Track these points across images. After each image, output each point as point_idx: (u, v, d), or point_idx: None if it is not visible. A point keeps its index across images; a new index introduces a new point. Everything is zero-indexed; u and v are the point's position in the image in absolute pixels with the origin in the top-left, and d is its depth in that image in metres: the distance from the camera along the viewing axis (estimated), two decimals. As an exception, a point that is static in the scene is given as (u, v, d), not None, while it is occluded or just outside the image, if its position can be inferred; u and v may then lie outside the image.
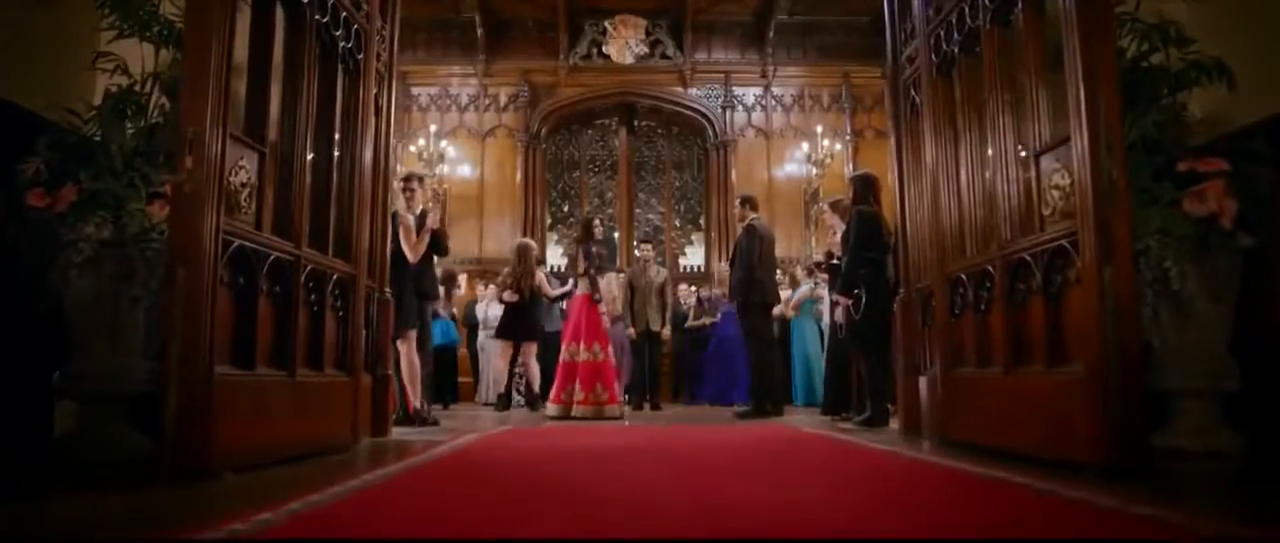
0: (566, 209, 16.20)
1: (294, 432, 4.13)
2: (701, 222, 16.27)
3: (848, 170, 15.28)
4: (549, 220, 16.16)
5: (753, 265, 8.52)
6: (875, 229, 6.99)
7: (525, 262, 10.07)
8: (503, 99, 15.81)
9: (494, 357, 10.66)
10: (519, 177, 15.54)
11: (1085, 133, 3.40)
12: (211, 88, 3.29)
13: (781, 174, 15.75)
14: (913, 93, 5.81)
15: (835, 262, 7.73)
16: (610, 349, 8.66)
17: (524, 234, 14.83)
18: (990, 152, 4.44)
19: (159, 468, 3.19)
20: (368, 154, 5.22)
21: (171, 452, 3.16)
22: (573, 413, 8.25)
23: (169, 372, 3.19)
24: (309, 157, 4.42)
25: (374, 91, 5.50)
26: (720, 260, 15.00)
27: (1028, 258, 4.02)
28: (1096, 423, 3.37)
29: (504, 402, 10.13)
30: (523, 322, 10.03)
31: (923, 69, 5.44)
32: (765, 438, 5.52)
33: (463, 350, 13.70)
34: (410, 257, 7.05)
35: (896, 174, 6.08)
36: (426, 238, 7.18)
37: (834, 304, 7.28)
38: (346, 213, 4.97)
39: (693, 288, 13.86)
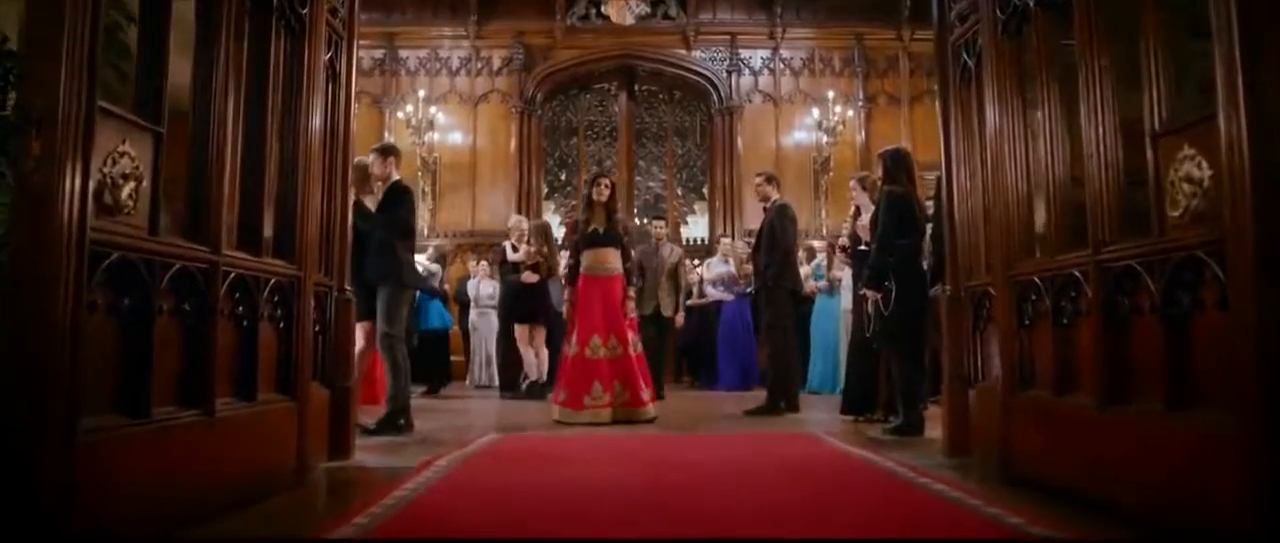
0: (564, 178, 15.40)
1: (217, 477, 3.32)
2: (705, 191, 15.49)
3: (859, 138, 14.63)
4: (546, 190, 15.40)
5: (789, 249, 7.95)
6: (907, 213, 6.13)
7: (548, 242, 9.98)
8: (496, 62, 14.95)
9: (517, 342, 9.98)
10: (513, 144, 14.72)
11: (1242, 113, 2.53)
12: (70, 46, 2.43)
13: (790, 142, 14.95)
14: (965, 56, 4.94)
15: (863, 248, 6.89)
16: (633, 339, 7.36)
17: (518, 205, 14.34)
18: (1085, 129, 3.54)
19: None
20: (316, 129, 4.36)
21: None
22: (588, 419, 6.87)
23: None
24: (234, 138, 3.55)
25: (327, 54, 4.63)
26: (725, 234, 14.26)
27: (1138, 267, 3.16)
28: (1248, 486, 2.54)
29: (537, 389, 9.50)
30: (542, 303, 9.75)
31: (983, 28, 4.56)
32: (791, 463, 4.69)
33: (455, 329, 13.06)
34: None
35: (943, 151, 5.21)
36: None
37: (862, 298, 6.42)
38: (288, 203, 4.11)
39: (695, 263, 12.96)
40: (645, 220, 14.14)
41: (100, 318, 2.69)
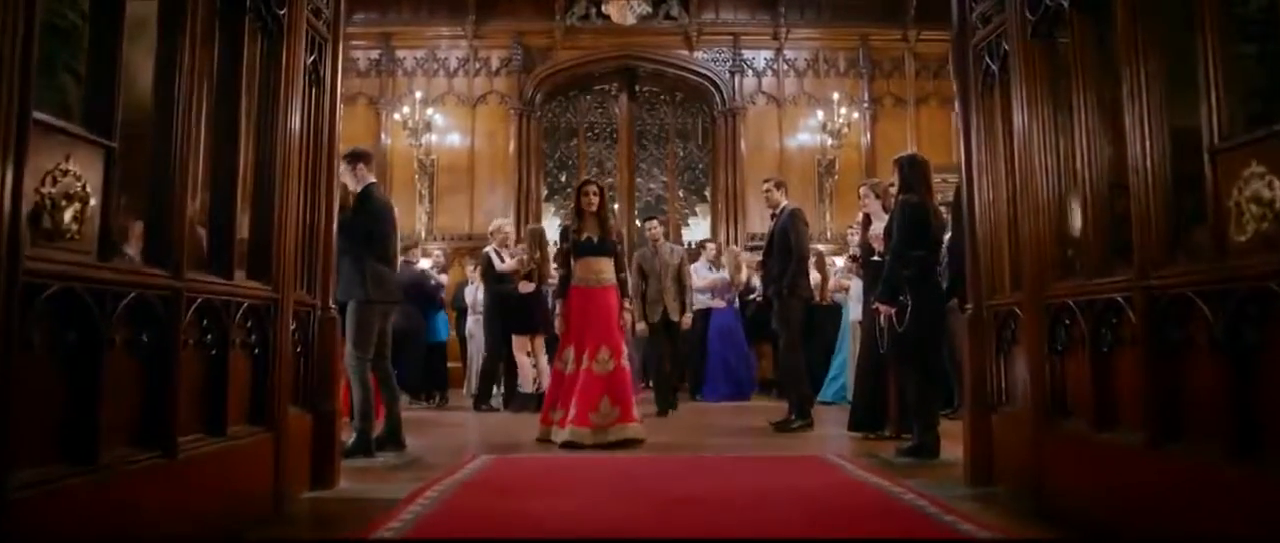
0: (563, 180, 15.11)
1: (182, 521, 3.03)
2: (707, 194, 15.24)
3: (865, 141, 14.38)
4: (545, 192, 15.14)
5: (803, 256, 7.65)
6: (924, 224, 5.83)
7: (542, 248, 9.62)
8: (494, 63, 14.66)
9: (516, 352, 9.69)
10: (512, 146, 14.43)
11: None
12: (-4, 50, 2.13)
13: (794, 144, 14.67)
14: (988, 60, 4.64)
15: (876, 258, 6.59)
16: (627, 351, 6.89)
17: (517, 207, 14.14)
18: (1130, 143, 3.22)
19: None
20: (296, 137, 4.06)
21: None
22: (570, 439, 6.31)
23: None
24: (202, 151, 3.25)
25: (310, 57, 4.34)
26: (711, 240, 13.94)
27: (1193, 296, 2.86)
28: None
29: (536, 401, 8.94)
30: (539, 312, 9.44)
31: (1010, 30, 4.26)
32: (805, 497, 4.39)
33: (452, 334, 12.63)
34: None
35: (963, 159, 4.91)
36: None
37: (874, 311, 6.11)
38: (264, 219, 3.81)
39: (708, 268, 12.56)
40: (639, 222, 13.80)
41: (39, 356, 2.39)
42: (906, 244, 5.77)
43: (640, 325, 8.90)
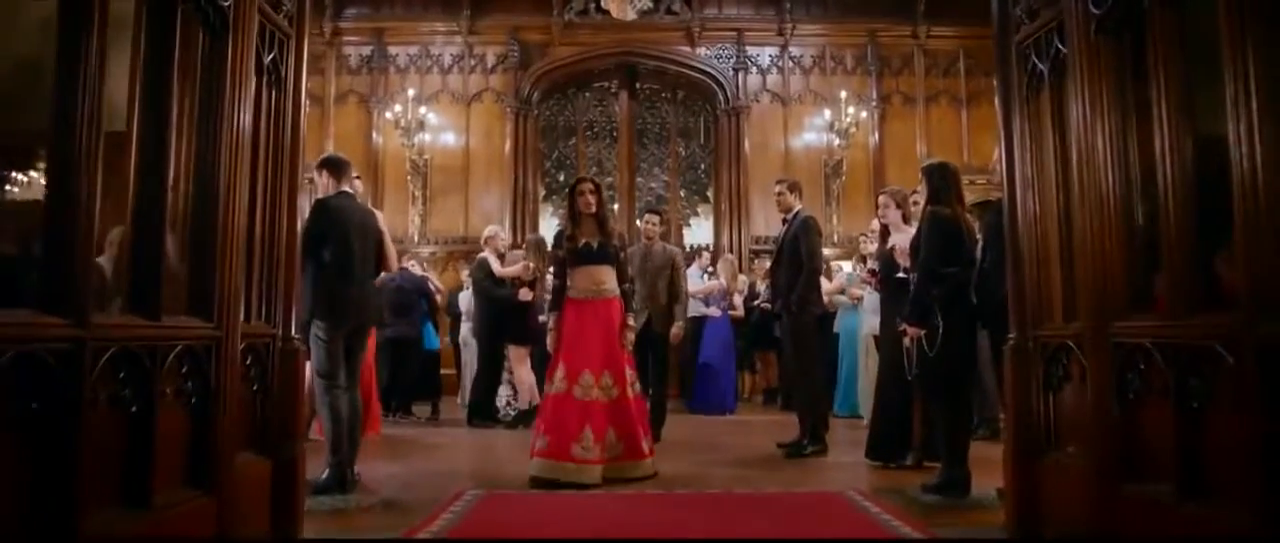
0: (562, 180, 14.58)
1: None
2: (709, 194, 14.76)
3: (872, 140, 13.96)
4: (542, 193, 14.69)
5: (816, 269, 7.12)
6: (955, 238, 5.29)
7: (544, 258, 8.98)
8: (490, 60, 14.16)
9: (515, 364, 9.24)
10: (508, 145, 13.93)
11: None
12: None
13: (799, 144, 14.17)
14: (1035, 59, 4.10)
15: (902, 275, 6.04)
16: (631, 378, 6.02)
17: (513, 208, 13.77)
18: (1234, 161, 2.66)
19: None
20: (245, 148, 3.50)
21: None
22: (572, 478, 5.52)
23: None
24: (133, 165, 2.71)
25: (268, 55, 3.79)
26: (732, 245, 13.64)
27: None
28: None
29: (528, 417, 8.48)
30: (534, 323, 8.89)
31: (1070, 25, 3.69)
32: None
33: (444, 340, 12.29)
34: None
35: (1004, 169, 4.38)
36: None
37: (902, 333, 5.56)
38: (203, 243, 3.26)
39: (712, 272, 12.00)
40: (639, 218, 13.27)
41: None
42: (939, 260, 5.24)
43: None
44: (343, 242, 5.32)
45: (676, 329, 8.10)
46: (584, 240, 6.01)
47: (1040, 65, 4.07)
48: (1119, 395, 3.37)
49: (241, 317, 3.51)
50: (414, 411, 10.20)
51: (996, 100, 4.49)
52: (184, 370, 3.08)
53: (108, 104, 2.60)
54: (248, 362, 3.70)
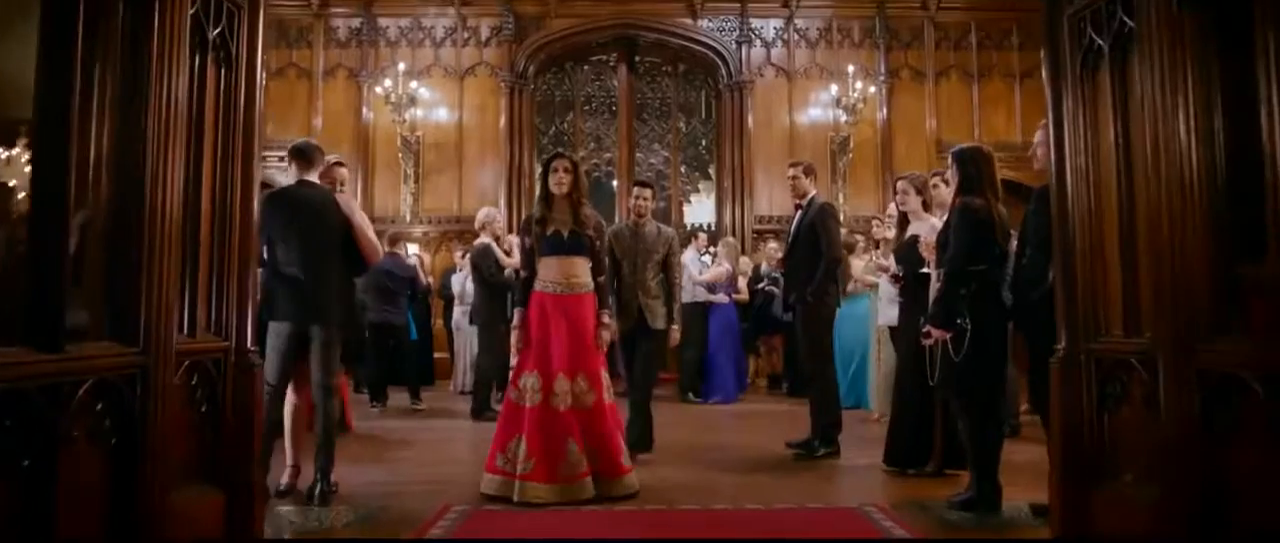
0: (559, 156, 14.08)
1: None
2: (711, 171, 14.33)
3: (880, 116, 13.55)
4: (538, 170, 14.03)
5: (836, 259, 6.69)
6: (989, 233, 4.78)
7: None
8: (484, 32, 13.71)
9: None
10: (503, 121, 13.50)
11: None
12: None
13: (805, 120, 13.73)
14: (1092, 33, 3.60)
15: (926, 270, 5.54)
16: (606, 382, 5.37)
17: (508, 186, 13.42)
18: None
19: None
20: (174, 133, 2.99)
21: None
22: (561, 496, 5.02)
23: None
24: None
25: (211, 29, 3.29)
26: (735, 224, 13.23)
27: None
28: None
29: None
30: None
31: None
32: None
33: (437, 323, 12.29)
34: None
35: (1053, 155, 3.91)
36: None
37: (925, 334, 5.07)
38: (123, 253, 2.76)
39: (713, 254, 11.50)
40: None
41: None
42: (967, 256, 4.74)
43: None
44: (283, 235, 4.87)
45: (675, 333, 6.94)
46: (553, 228, 5.36)
47: (1099, 41, 3.58)
48: (1202, 423, 2.89)
49: (179, 332, 3.02)
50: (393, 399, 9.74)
51: (1045, 79, 3.99)
52: (99, 407, 2.59)
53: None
54: (193, 381, 3.24)
